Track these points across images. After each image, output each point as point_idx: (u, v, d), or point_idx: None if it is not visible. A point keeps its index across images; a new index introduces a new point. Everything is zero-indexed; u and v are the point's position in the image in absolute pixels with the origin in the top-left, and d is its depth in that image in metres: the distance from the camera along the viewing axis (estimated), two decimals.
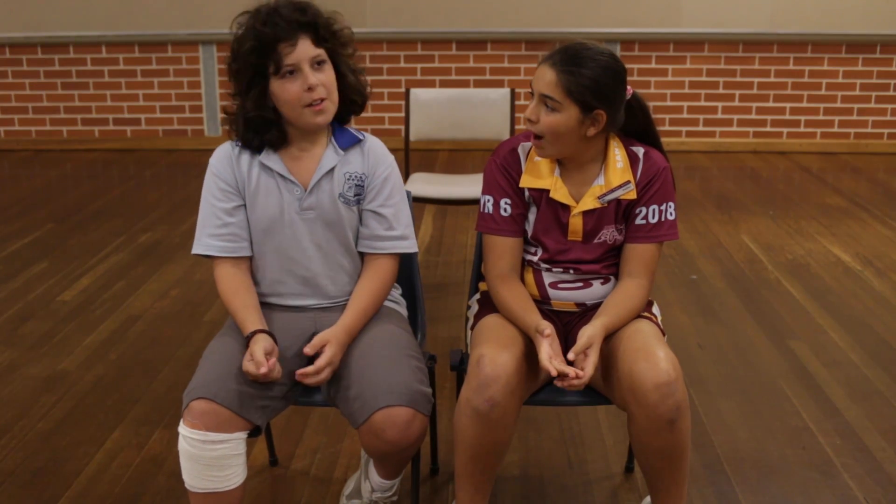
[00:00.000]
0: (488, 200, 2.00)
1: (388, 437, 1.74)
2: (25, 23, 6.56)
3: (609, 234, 1.97)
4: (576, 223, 1.96)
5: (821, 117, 6.63)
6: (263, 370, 1.77)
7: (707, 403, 2.79)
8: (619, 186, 1.94)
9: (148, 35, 6.55)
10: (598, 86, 1.83)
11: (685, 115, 6.63)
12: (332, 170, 1.93)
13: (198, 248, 1.96)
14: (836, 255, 4.25)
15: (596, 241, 1.97)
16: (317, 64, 1.85)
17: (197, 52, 6.63)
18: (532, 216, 2.00)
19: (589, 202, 1.95)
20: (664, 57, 6.49)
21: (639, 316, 1.96)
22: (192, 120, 6.80)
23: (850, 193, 5.45)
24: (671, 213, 1.97)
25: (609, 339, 1.90)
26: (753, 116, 6.64)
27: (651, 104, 1.98)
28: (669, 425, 1.75)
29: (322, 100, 1.85)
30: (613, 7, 6.32)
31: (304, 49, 1.83)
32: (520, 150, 2.00)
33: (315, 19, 1.85)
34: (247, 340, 1.84)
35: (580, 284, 2.01)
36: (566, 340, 2.00)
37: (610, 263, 2.02)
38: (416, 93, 3.93)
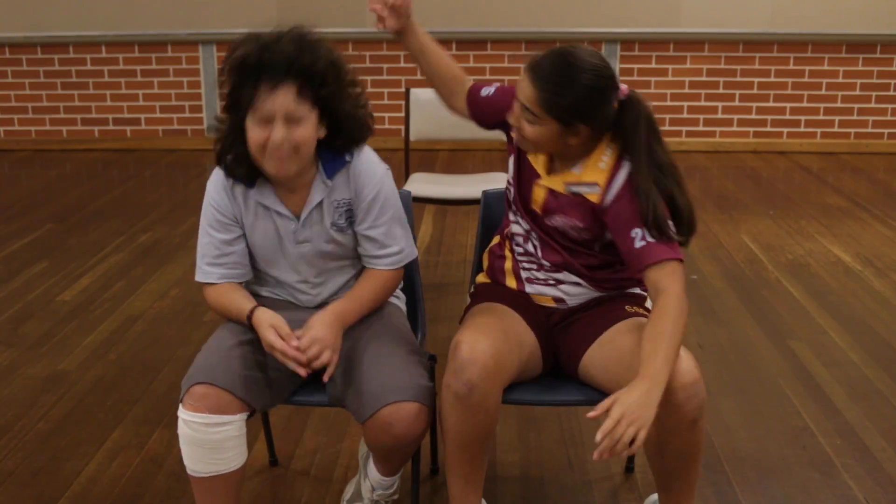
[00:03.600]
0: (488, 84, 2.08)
1: (394, 432, 1.76)
2: (25, 23, 6.56)
3: (563, 222, 1.93)
4: (538, 193, 1.95)
5: (821, 117, 6.63)
6: (295, 343, 1.78)
7: (707, 403, 2.79)
8: (587, 184, 1.88)
9: (148, 35, 6.55)
10: (580, 106, 1.77)
11: (685, 115, 6.62)
12: (321, 202, 1.92)
13: (200, 276, 2.00)
14: (836, 254, 4.25)
15: (549, 222, 1.95)
16: (293, 120, 1.76)
17: (197, 52, 6.63)
18: (512, 165, 2.02)
19: (556, 182, 1.92)
20: (664, 57, 6.49)
21: (641, 315, 1.95)
22: (192, 120, 6.80)
23: (850, 193, 5.44)
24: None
25: (622, 337, 1.88)
26: (753, 116, 6.64)
27: (651, 104, 1.91)
28: (692, 425, 1.75)
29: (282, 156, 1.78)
30: (613, 7, 6.32)
31: (283, 100, 1.74)
32: None
33: (310, 66, 1.75)
34: (248, 319, 1.86)
35: (553, 282, 2.01)
36: (553, 340, 2.00)
37: (583, 264, 1.97)
38: (416, 93, 3.92)
